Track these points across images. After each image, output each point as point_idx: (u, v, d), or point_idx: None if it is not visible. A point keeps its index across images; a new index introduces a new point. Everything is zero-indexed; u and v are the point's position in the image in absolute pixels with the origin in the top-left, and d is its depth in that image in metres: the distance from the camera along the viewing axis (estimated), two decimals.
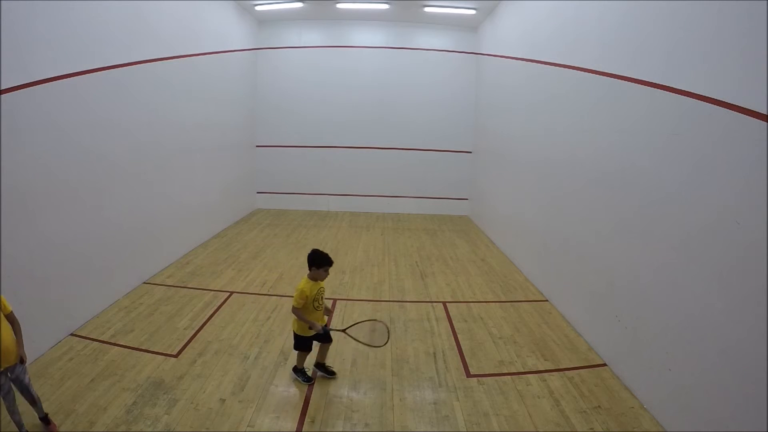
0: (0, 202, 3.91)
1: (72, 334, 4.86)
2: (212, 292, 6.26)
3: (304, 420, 3.63)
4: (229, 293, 6.22)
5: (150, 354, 4.55)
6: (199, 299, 5.95)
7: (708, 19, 3.31)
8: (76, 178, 4.99)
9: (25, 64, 4.19)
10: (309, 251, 4.02)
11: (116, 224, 5.73)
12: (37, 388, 3.81)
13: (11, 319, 3.16)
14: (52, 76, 4.54)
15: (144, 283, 6.40)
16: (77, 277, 5.01)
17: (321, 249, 4.01)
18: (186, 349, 4.67)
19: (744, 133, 2.94)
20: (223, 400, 3.84)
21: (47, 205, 4.53)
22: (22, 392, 3.25)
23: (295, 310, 3.93)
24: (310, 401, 3.88)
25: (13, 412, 3.15)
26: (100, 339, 4.80)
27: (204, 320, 5.36)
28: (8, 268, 3.99)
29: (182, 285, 6.44)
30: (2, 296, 3.16)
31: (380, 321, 4.27)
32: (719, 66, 3.19)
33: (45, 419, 3.45)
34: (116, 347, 4.65)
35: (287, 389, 4.07)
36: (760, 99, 2.80)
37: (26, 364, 3.23)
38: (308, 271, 4.00)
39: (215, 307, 5.74)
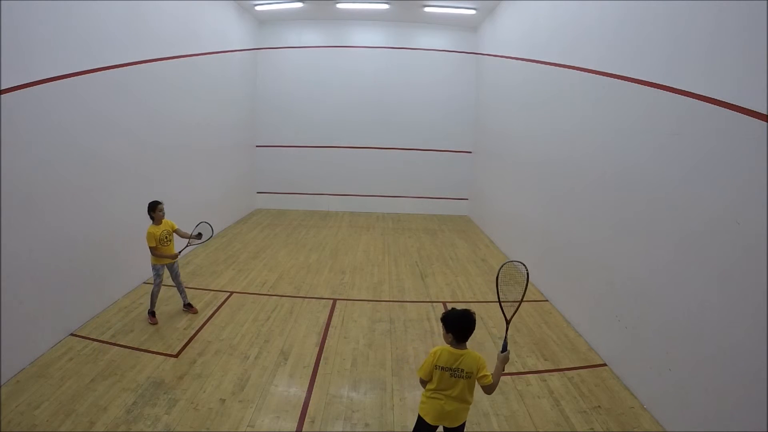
0: (0, 202, 3.91)
1: (72, 334, 4.85)
2: (212, 292, 6.26)
3: (304, 420, 3.63)
4: (229, 293, 6.22)
5: (150, 354, 4.55)
6: (199, 299, 5.94)
7: (708, 19, 3.31)
8: (76, 178, 4.99)
9: (25, 64, 4.19)
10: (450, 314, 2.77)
11: (116, 224, 5.72)
12: (37, 389, 3.85)
13: (179, 231, 5.36)
14: (52, 76, 4.54)
15: (144, 283, 6.39)
16: (77, 277, 5.01)
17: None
18: (186, 349, 4.67)
19: (744, 133, 2.94)
20: (223, 400, 3.84)
21: (47, 204, 4.53)
22: (175, 279, 5.46)
23: (494, 385, 2.68)
24: (310, 401, 3.88)
25: (155, 294, 5.25)
26: (100, 339, 4.80)
27: (204, 320, 5.36)
28: (8, 268, 3.98)
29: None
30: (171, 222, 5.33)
31: (504, 267, 3.17)
32: (719, 66, 3.19)
33: (188, 305, 5.58)
34: (116, 347, 4.65)
35: (287, 389, 4.07)
36: (760, 99, 2.80)
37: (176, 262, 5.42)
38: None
39: (215, 307, 5.74)
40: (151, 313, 5.24)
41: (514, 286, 3.08)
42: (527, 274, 3.06)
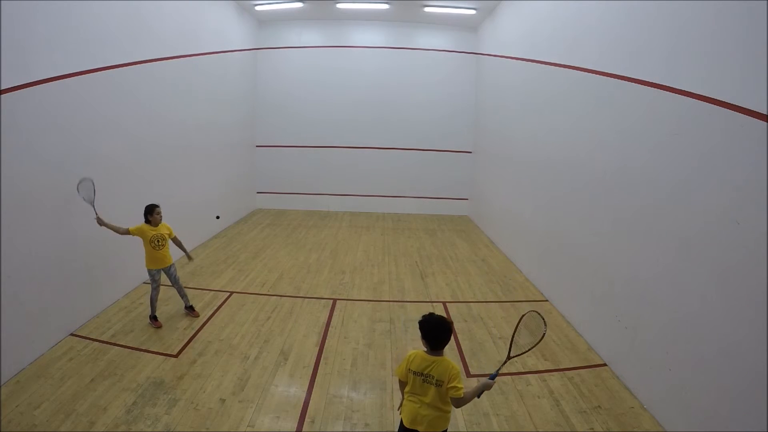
0: (0, 202, 3.91)
1: (72, 334, 4.86)
2: (212, 292, 6.26)
3: (304, 420, 3.63)
4: (229, 293, 6.22)
5: (150, 354, 4.55)
6: (199, 299, 5.94)
7: (708, 19, 3.31)
8: (76, 178, 4.98)
9: (25, 64, 4.19)
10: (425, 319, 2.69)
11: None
12: (36, 388, 3.85)
13: (176, 240, 5.36)
14: (52, 76, 4.54)
15: (144, 283, 6.38)
16: (77, 277, 5.01)
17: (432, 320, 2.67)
18: (186, 349, 4.67)
19: (744, 133, 2.94)
20: (223, 400, 3.84)
21: (47, 204, 4.53)
22: (174, 284, 5.37)
23: (463, 401, 2.58)
24: (310, 401, 3.88)
25: (154, 299, 5.18)
26: (100, 339, 4.80)
27: (204, 320, 5.36)
28: (8, 268, 3.99)
29: (182, 285, 6.43)
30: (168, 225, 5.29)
31: (529, 313, 3.08)
32: (719, 66, 3.19)
33: (190, 308, 5.50)
34: (116, 347, 4.65)
35: (287, 389, 4.07)
36: (760, 99, 2.80)
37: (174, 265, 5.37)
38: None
39: (215, 307, 5.74)
40: (153, 318, 5.19)
41: (527, 335, 2.95)
42: (544, 332, 2.91)
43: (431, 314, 2.73)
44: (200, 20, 8.29)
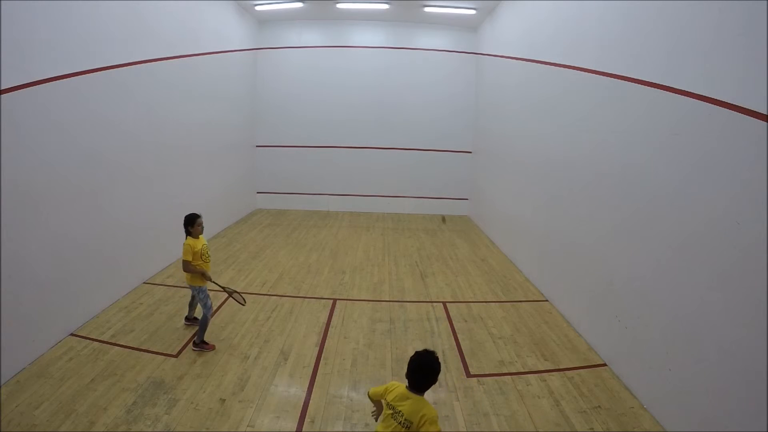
0: (0, 202, 3.91)
1: (72, 334, 4.85)
2: (212, 292, 6.23)
3: (304, 420, 3.63)
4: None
5: (150, 354, 4.55)
6: None
7: (708, 19, 3.32)
8: (76, 178, 4.99)
9: (25, 64, 4.19)
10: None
11: (116, 224, 5.72)
12: (37, 388, 3.86)
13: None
14: (52, 76, 4.54)
15: (144, 283, 6.39)
16: (77, 277, 5.01)
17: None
18: (186, 349, 4.67)
19: (744, 133, 2.94)
20: (223, 400, 3.84)
21: (47, 205, 4.53)
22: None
23: None
24: (310, 401, 3.88)
25: (208, 321, 4.72)
26: (100, 339, 4.80)
27: None
28: (9, 268, 3.99)
29: (182, 285, 6.41)
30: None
31: None
32: (719, 66, 3.19)
33: (194, 319, 5.15)
34: (116, 347, 4.65)
35: (287, 389, 4.07)
36: (760, 99, 2.80)
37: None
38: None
39: (215, 307, 5.73)
40: (204, 343, 4.68)
41: None
42: None
43: (426, 352, 2.50)
44: (200, 20, 8.29)
